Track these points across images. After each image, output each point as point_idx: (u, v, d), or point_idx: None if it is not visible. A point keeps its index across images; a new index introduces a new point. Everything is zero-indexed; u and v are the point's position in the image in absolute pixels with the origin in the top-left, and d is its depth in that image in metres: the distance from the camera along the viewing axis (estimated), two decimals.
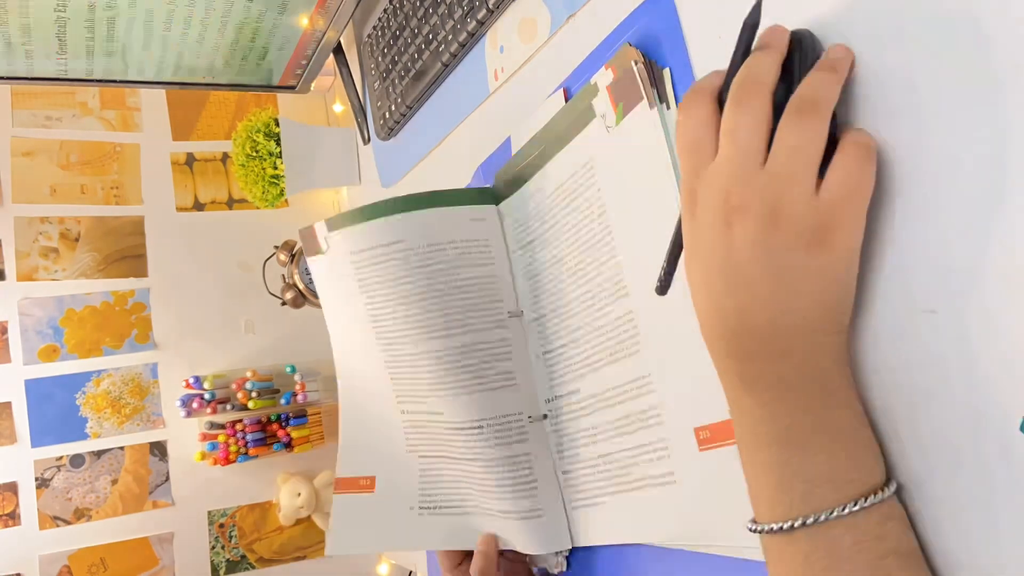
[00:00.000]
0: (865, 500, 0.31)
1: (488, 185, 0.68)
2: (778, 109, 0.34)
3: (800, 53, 0.35)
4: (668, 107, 0.47)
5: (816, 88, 0.33)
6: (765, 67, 0.33)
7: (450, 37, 0.74)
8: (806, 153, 0.31)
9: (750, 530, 0.35)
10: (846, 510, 0.31)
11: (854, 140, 0.32)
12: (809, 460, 0.32)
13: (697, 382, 0.44)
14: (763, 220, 0.32)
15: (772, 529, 0.33)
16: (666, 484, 0.47)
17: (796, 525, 0.31)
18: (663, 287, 0.40)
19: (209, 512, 1.15)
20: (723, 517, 0.43)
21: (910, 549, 0.32)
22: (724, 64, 0.39)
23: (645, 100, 0.47)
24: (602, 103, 0.51)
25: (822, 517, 0.31)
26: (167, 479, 1.14)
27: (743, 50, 0.36)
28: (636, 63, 0.48)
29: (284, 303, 1.10)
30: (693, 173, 0.35)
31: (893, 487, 0.32)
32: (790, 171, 0.31)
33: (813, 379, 0.33)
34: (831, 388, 0.33)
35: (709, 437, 0.44)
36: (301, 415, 1.06)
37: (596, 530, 0.56)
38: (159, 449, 1.14)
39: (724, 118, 0.34)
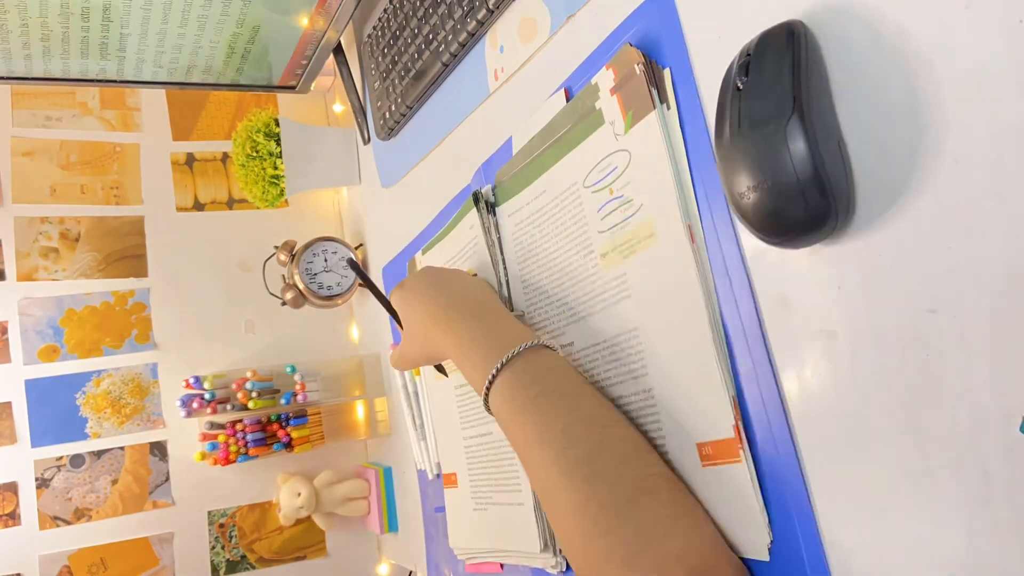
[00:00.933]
0: (512, 352, 0.51)
1: (489, 185, 0.68)
2: (779, 111, 0.34)
3: (794, 43, 0.36)
4: (668, 107, 0.47)
5: None
6: None
7: (450, 37, 0.74)
8: None
9: (485, 402, 0.53)
10: (501, 361, 0.51)
11: None
12: (475, 340, 0.55)
13: (699, 398, 0.44)
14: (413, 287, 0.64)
15: (491, 378, 0.51)
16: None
17: (489, 384, 0.51)
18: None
19: (209, 512, 1.15)
20: (726, 528, 0.43)
21: (564, 386, 0.50)
22: (725, 63, 0.39)
23: (656, 110, 0.47)
24: (611, 109, 0.50)
25: (495, 369, 0.51)
26: (167, 479, 1.14)
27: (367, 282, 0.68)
28: (639, 66, 0.47)
29: (284, 303, 1.10)
30: None
31: (529, 343, 0.52)
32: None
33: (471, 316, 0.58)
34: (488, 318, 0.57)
35: (712, 454, 0.44)
36: (301, 415, 1.06)
37: None
38: (159, 449, 1.14)
39: None
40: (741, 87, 0.37)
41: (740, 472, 0.41)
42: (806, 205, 0.34)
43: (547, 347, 0.53)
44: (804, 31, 0.36)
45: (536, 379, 0.50)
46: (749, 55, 0.37)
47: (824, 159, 0.34)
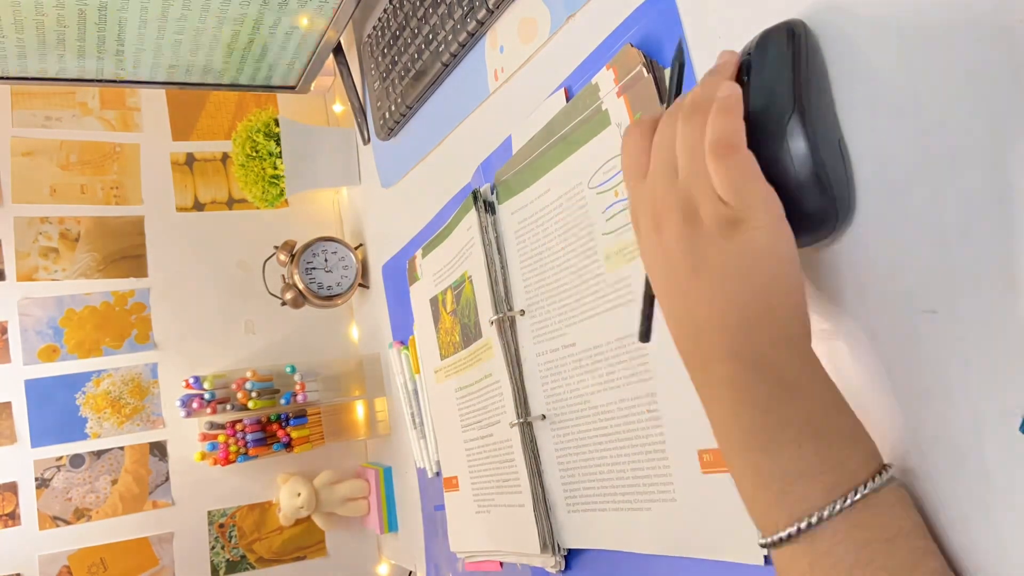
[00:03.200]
0: (854, 494, 0.29)
1: (488, 184, 0.68)
2: (776, 116, 0.34)
3: (795, 43, 0.36)
4: (668, 107, 0.47)
5: (696, 92, 0.36)
6: (699, 91, 0.36)
7: (450, 37, 0.74)
8: (698, 150, 0.34)
9: (761, 545, 0.32)
10: (827, 511, 0.29)
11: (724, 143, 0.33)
12: (775, 459, 0.30)
13: (700, 405, 0.44)
14: (681, 219, 0.34)
15: (770, 542, 0.31)
16: (665, 501, 0.47)
17: (787, 536, 0.30)
18: (644, 333, 0.40)
19: (209, 512, 1.15)
20: (721, 537, 0.43)
21: (912, 527, 0.30)
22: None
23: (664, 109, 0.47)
24: (618, 111, 0.50)
25: (812, 520, 0.29)
26: (167, 479, 1.14)
27: (675, 82, 0.40)
28: (643, 67, 0.47)
29: (284, 303, 1.10)
30: (633, 194, 0.37)
31: (884, 476, 0.30)
32: (693, 171, 0.33)
33: (764, 372, 0.31)
34: (788, 379, 0.31)
35: (712, 461, 0.44)
36: (301, 415, 1.06)
37: (593, 534, 0.56)
38: (159, 449, 1.14)
39: (653, 139, 0.36)
40: (741, 87, 0.37)
41: None
42: (806, 205, 0.34)
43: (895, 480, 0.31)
44: (804, 31, 0.36)
45: (887, 542, 0.29)
46: (749, 54, 0.37)
47: (824, 159, 0.34)
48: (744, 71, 0.37)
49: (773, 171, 0.35)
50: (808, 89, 0.35)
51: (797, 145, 0.34)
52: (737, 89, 0.34)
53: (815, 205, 0.34)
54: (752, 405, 0.32)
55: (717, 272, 0.33)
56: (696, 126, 0.34)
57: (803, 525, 0.29)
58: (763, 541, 0.31)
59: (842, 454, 0.30)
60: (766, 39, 0.37)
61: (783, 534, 0.30)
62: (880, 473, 0.30)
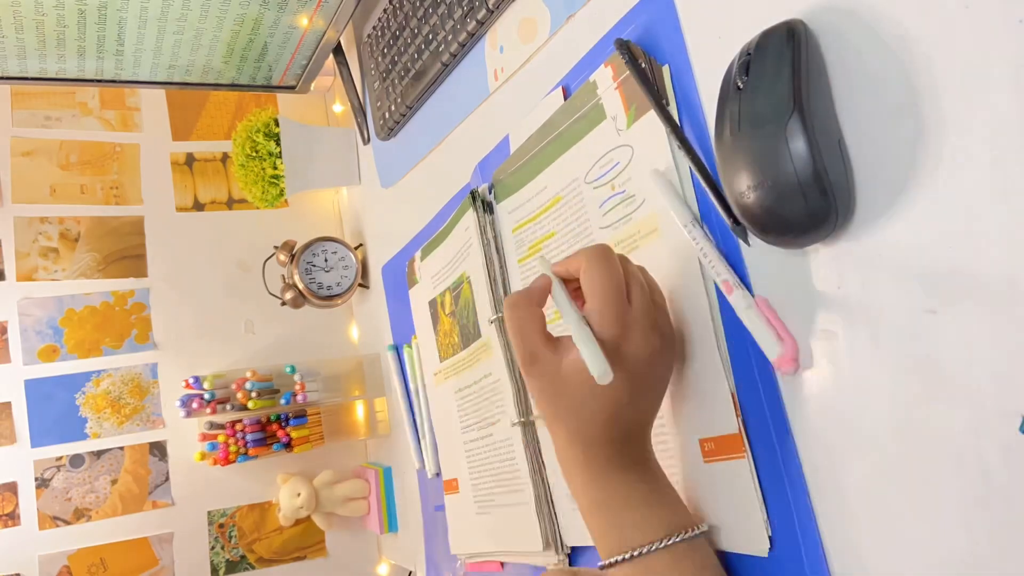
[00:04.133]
0: (672, 538, 0.40)
1: (487, 183, 0.68)
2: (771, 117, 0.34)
3: (794, 42, 0.36)
4: (667, 103, 0.47)
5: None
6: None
7: (450, 37, 0.74)
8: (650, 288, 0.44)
9: (599, 567, 0.42)
10: (652, 547, 0.40)
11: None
12: (623, 517, 0.42)
13: (702, 395, 0.44)
14: (670, 352, 0.44)
15: (607, 564, 0.41)
16: None
17: (618, 560, 0.41)
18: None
19: (209, 512, 1.15)
20: (725, 524, 0.43)
21: (714, 568, 0.41)
22: (724, 63, 0.39)
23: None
24: (613, 104, 0.50)
25: (636, 553, 0.40)
26: (167, 479, 1.14)
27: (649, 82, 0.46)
28: (643, 63, 0.47)
29: (284, 303, 1.10)
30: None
31: (694, 531, 0.41)
32: (643, 306, 0.42)
33: (637, 460, 0.43)
34: (645, 465, 0.43)
35: (714, 449, 0.44)
36: (301, 415, 1.06)
37: None
38: (159, 449, 1.14)
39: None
40: (741, 86, 0.37)
41: (742, 468, 0.41)
42: (806, 204, 0.34)
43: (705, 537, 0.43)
44: (804, 30, 0.36)
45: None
46: (749, 54, 0.37)
47: (824, 158, 0.34)
48: (744, 71, 0.37)
49: (773, 174, 0.35)
50: (808, 89, 0.35)
51: (797, 145, 0.34)
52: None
53: (815, 205, 0.34)
54: (620, 480, 0.43)
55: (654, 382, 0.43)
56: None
57: (627, 555, 0.41)
58: (603, 563, 0.42)
59: (665, 516, 0.42)
60: (766, 39, 0.37)
61: (614, 558, 0.41)
62: (697, 527, 0.42)
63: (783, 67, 0.35)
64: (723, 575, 0.42)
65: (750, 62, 0.37)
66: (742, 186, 0.36)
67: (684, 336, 0.46)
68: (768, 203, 0.35)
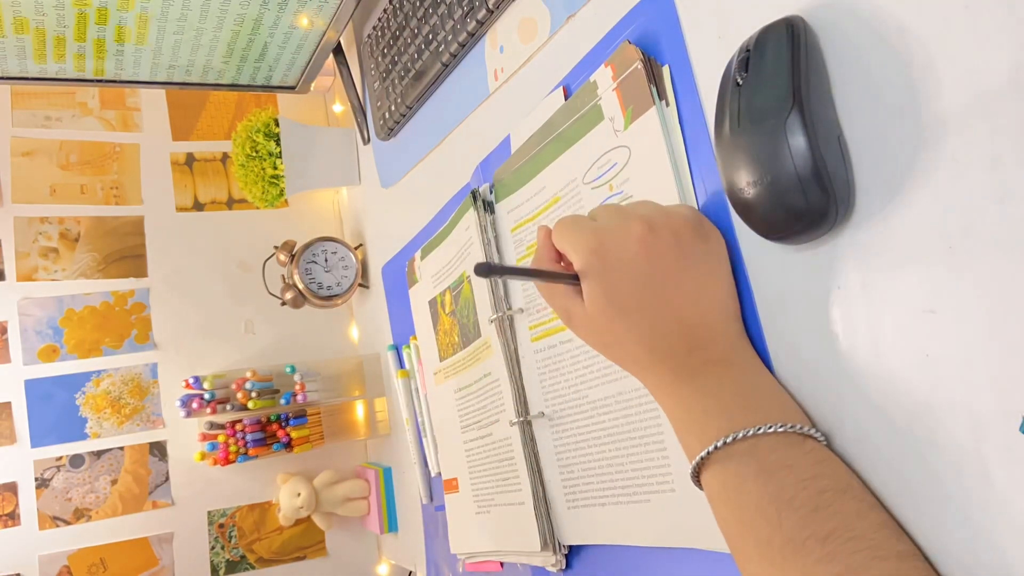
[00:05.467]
0: (756, 430, 0.35)
1: (487, 183, 0.68)
2: (775, 110, 0.34)
3: (793, 39, 0.36)
4: (667, 104, 0.47)
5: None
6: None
7: (450, 37, 0.74)
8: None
9: (693, 474, 0.38)
10: (762, 429, 0.35)
11: None
12: (729, 407, 0.37)
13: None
14: (671, 235, 0.39)
15: (709, 452, 0.36)
16: (665, 492, 0.47)
17: (727, 441, 0.35)
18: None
19: (209, 512, 1.15)
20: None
21: (819, 475, 0.34)
22: (724, 62, 0.39)
23: (656, 106, 0.47)
24: (611, 106, 0.50)
25: (749, 432, 0.35)
26: (167, 479, 1.14)
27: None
28: (639, 62, 0.47)
29: (284, 303, 1.10)
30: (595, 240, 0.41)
31: (795, 428, 0.35)
32: (650, 205, 0.42)
33: (731, 358, 0.39)
34: (743, 361, 0.39)
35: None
36: (301, 415, 1.06)
37: (593, 530, 0.56)
38: (159, 449, 1.14)
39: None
40: (741, 82, 0.37)
41: None
42: (806, 200, 0.34)
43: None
44: (804, 27, 0.36)
45: (815, 473, 0.34)
46: (748, 51, 0.37)
47: (824, 154, 0.34)
48: (743, 67, 0.37)
49: (772, 170, 0.35)
50: (807, 85, 0.35)
51: (797, 141, 0.34)
52: None
53: (815, 201, 0.34)
54: (723, 379, 0.39)
55: (700, 275, 0.40)
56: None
57: (719, 444, 0.36)
58: (702, 453, 0.36)
59: (780, 406, 0.37)
60: (765, 35, 0.37)
61: (718, 442, 0.36)
62: (793, 427, 0.35)
63: (782, 63, 0.35)
64: (859, 485, 0.34)
65: (749, 58, 0.37)
66: (742, 182, 0.36)
67: None
68: (768, 199, 0.35)
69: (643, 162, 0.48)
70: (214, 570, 1.13)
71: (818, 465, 0.34)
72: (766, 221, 0.36)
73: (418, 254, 0.83)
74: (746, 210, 0.37)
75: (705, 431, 0.37)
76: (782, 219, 0.36)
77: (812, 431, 0.36)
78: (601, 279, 0.40)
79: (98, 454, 1.12)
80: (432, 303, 0.80)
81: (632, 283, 0.39)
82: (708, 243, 0.40)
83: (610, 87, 0.51)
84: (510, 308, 0.64)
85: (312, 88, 1.11)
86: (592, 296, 0.40)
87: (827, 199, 0.34)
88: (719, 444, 0.35)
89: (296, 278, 1.08)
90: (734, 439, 0.35)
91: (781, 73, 0.35)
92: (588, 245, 0.40)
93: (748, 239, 0.41)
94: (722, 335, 0.39)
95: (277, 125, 1.09)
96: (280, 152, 1.08)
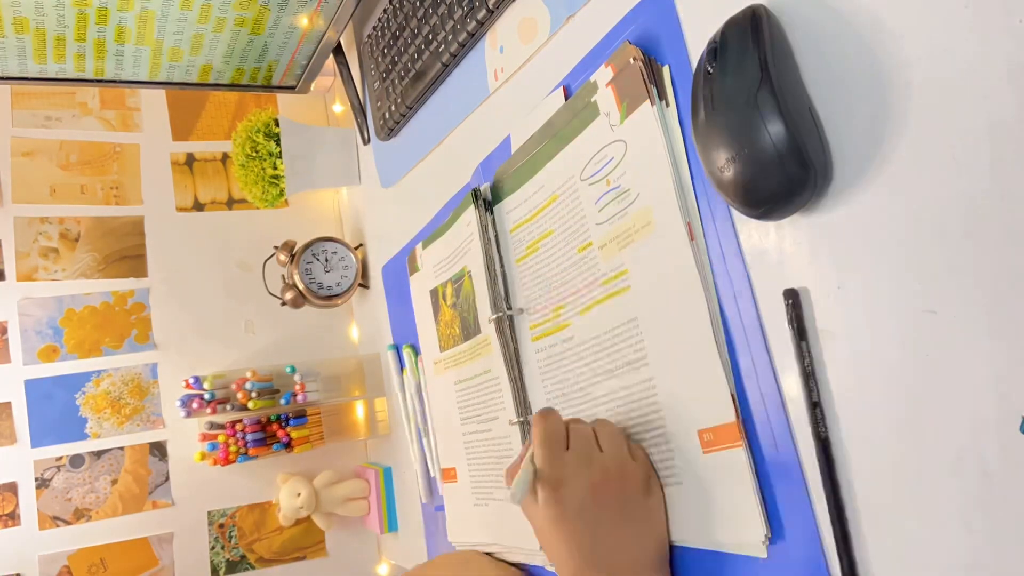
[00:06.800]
0: None
1: (488, 183, 0.68)
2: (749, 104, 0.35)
3: (756, 22, 0.37)
4: (667, 104, 0.47)
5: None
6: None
7: (450, 37, 0.74)
8: (618, 437, 0.49)
9: None
10: None
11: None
12: None
13: (699, 384, 0.44)
14: (620, 490, 0.46)
15: None
16: (668, 485, 0.47)
17: None
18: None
19: (209, 512, 1.15)
20: (724, 519, 0.43)
21: None
22: None
23: (650, 99, 0.47)
24: (606, 101, 0.51)
25: None
26: (167, 479, 1.14)
27: None
28: (635, 60, 0.48)
29: (284, 303, 1.10)
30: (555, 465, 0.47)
31: None
32: (615, 449, 0.48)
33: None
34: None
35: (712, 440, 0.44)
36: (301, 415, 1.06)
37: None
38: (159, 449, 1.14)
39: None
40: (711, 71, 0.38)
41: (740, 457, 0.41)
42: (783, 169, 0.35)
43: None
44: (766, 12, 0.38)
45: None
46: (716, 42, 0.39)
47: (797, 123, 0.35)
48: (712, 57, 0.38)
49: (749, 142, 0.35)
50: (775, 62, 0.36)
51: (769, 114, 0.35)
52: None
53: (793, 170, 0.35)
54: None
55: (636, 524, 0.46)
56: (607, 425, 0.50)
57: None
58: None
59: None
60: (730, 26, 0.38)
61: None
62: None
63: (748, 47, 0.37)
64: None
65: (717, 48, 0.38)
66: (720, 161, 0.37)
67: (681, 328, 0.46)
68: (746, 172, 0.36)
69: (640, 156, 0.48)
70: (214, 570, 1.13)
71: None
72: (746, 195, 0.37)
73: (420, 244, 0.83)
74: (728, 188, 0.38)
75: None
76: (763, 190, 0.36)
77: None
78: (554, 506, 0.46)
79: (98, 454, 1.12)
80: (433, 292, 0.80)
81: (579, 520, 0.46)
82: (650, 498, 0.47)
83: (606, 84, 0.51)
84: (510, 308, 0.64)
85: (312, 88, 1.11)
86: (544, 503, 0.47)
87: (804, 166, 0.35)
88: None
89: (296, 278, 1.08)
90: None
91: (748, 55, 0.36)
92: (553, 474, 0.47)
93: (747, 240, 0.41)
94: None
95: (277, 125, 1.09)
96: (280, 152, 1.08)
